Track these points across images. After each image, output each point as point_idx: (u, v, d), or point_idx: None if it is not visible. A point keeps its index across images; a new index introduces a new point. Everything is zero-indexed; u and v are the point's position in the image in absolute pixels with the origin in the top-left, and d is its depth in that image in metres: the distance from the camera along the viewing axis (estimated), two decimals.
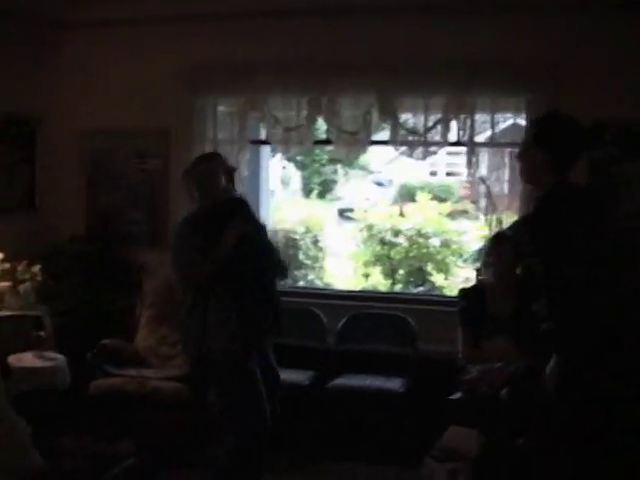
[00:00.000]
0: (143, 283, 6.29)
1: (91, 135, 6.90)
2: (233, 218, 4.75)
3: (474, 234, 9.64)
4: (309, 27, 6.25)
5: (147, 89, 6.64)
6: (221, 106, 6.60)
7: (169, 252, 4.87)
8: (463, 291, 5.69)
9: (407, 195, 13.70)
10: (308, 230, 9.75)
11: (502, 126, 6.18)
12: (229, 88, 6.47)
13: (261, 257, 4.86)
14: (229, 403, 4.81)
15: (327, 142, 6.53)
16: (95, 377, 5.77)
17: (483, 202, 6.13)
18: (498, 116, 6.09)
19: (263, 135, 6.64)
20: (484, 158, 6.15)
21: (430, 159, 6.90)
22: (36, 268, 6.28)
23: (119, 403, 5.71)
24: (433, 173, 16.20)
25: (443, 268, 9.52)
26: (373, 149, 8.03)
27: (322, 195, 15.49)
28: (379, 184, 16.65)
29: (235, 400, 4.77)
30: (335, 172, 15.82)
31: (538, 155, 3.81)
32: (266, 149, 7.07)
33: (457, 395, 5.26)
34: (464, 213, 12.40)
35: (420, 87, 6.05)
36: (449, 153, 12.46)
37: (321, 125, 6.62)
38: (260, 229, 5.01)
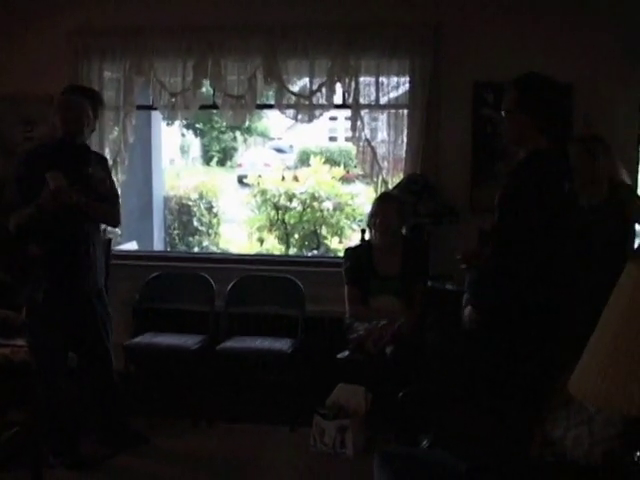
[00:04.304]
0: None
1: None
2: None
3: (366, 197, 9.78)
4: None
5: (32, 54, 6.50)
6: (107, 71, 6.49)
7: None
8: (349, 250, 5.78)
9: (306, 161, 13.81)
10: (202, 196, 9.73)
11: (389, 88, 6.21)
12: (114, 53, 6.35)
13: None
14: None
15: (214, 107, 6.50)
16: None
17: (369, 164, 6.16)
18: (383, 78, 6.13)
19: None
20: (384, 121, 6.17)
21: (330, 124, 6.94)
22: None
23: (6, 373, 5.65)
24: (333, 138, 16.34)
25: (337, 231, 9.64)
26: (271, 115, 8.02)
27: (222, 162, 15.46)
28: (280, 150, 16.70)
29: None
30: (235, 139, 15.78)
31: (523, 117, 3.86)
32: (157, 115, 7.02)
33: (345, 354, 5.37)
34: (365, 177, 12.55)
35: (304, 50, 6.06)
36: (348, 118, 12.57)
37: (210, 90, 6.59)
38: None
